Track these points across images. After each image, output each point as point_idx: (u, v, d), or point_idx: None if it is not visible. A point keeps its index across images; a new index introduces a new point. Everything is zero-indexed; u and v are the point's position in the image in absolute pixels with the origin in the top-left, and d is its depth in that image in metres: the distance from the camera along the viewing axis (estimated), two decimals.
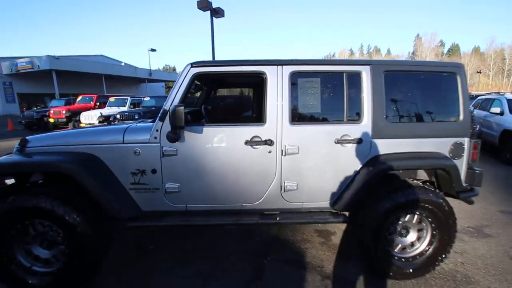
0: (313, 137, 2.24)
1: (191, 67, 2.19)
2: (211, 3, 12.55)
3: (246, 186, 2.28)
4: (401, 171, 2.45)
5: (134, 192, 2.26)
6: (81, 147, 2.24)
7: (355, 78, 2.29)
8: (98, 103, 13.04)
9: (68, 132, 2.46)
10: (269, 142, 2.20)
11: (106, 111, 11.09)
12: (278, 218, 2.31)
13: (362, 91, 2.29)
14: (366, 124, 2.27)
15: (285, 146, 2.22)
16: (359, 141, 2.26)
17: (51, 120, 12.06)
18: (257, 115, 3.68)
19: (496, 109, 7.21)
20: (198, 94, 3.59)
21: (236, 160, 2.23)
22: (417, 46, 70.74)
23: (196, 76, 2.21)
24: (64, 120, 11.85)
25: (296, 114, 2.28)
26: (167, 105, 2.19)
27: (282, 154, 2.24)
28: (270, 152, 2.23)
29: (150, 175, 2.22)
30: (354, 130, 2.27)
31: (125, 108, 11.36)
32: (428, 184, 2.54)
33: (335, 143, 2.25)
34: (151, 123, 2.30)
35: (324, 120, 2.34)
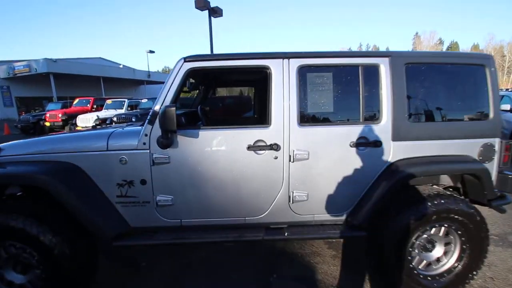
0: (325, 140, 1.96)
1: (184, 61, 1.91)
2: (209, 2, 12.26)
3: (249, 197, 1.99)
4: (422, 177, 2.17)
5: (121, 206, 1.97)
6: (60, 156, 1.95)
7: (372, 72, 2.01)
8: (95, 106, 12.77)
9: (47, 138, 2.17)
10: (274, 147, 1.91)
11: (103, 113, 10.82)
12: (286, 234, 2.02)
13: (380, 87, 2.01)
14: (385, 124, 1.99)
15: (293, 151, 1.94)
16: (377, 144, 1.98)
17: (47, 124, 11.82)
18: (259, 117, 3.38)
19: (506, 106, 6.94)
20: (190, 94, 3.31)
21: (237, 167, 1.94)
22: (416, 45, 70.31)
23: (190, 72, 1.92)
24: (61, 123, 11.60)
25: (306, 114, 2.00)
26: (157, 106, 1.91)
27: (290, 160, 1.96)
28: (276, 158, 1.95)
29: (139, 187, 1.94)
30: (372, 132, 1.98)
31: (122, 111, 11.09)
32: (451, 190, 2.26)
33: (351, 146, 1.97)
34: (140, 127, 2.02)
35: (337, 121, 2.05)
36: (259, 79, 3.04)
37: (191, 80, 2.61)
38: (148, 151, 1.91)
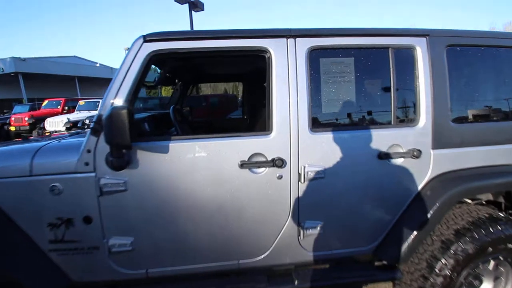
0: (346, 150, 1.42)
1: (144, 41, 1.30)
2: None
3: (244, 232, 1.42)
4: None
5: (57, 255, 1.35)
6: None
7: (405, 57, 1.49)
8: (66, 108, 11.70)
9: None
10: (278, 163, 1.35)
11: (74, 116, 9.86)
12: (296, 282, 1.45)
13: (416, 77, 1.49)
14: (424, 127, 1.48)
15: (304, 167, 1.38)
16: (415, 154, 1.46)
17: (12, 128, 10.71)
18: (250, 119, 2.75)
19: None
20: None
21: (226, 193, 1.37)
22: None
23: (154, 57, 1.32)
24: (27, 127, 10.51)
25: (319, 116, 1.45)
26: (104, 108, 1.30)
27: (299, 180, 1.40)
28: (280, 177, 1.38)
29: (81, 227, 1.32)
30: (407, 137, 1.47)
31: (96, 112, 10.15)
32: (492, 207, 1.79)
33: (379, 158, 1.44)
34: (84, 138, 1.39)
35: (361, 124, 1.51)
36: (250, 71, 2.43)
37: (160, 72, 1.99)
38: (93, 174, 1.30)
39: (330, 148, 1.40)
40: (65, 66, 22.92)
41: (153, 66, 1.52)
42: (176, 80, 2.43)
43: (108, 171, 1.29)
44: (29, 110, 12.13)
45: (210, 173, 1.35)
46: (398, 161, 1.47)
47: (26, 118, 10.61)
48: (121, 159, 1.22)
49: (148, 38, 1.30)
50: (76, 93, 23.02)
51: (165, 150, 1.31)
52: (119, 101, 1.27)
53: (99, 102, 10.69)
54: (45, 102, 12.37)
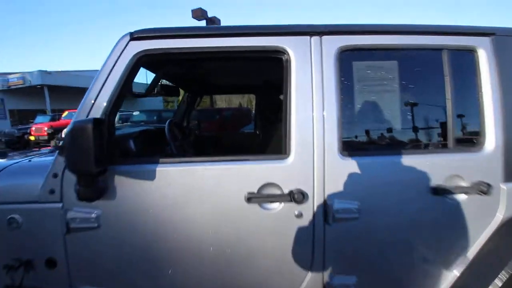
0: (388, 182, 1.07)
1: (131, 39, 1.04)
2: (206, 12, 11.65)
3: None
4: None
5: None
6: None
7: (464, 60, 1.15)
8: None
9: None
10: (297, 197, 1.02)
11: None
12: None
13: (480, 86, 1.14)
14: (492, 151, 1.11)
15: (332, 203, 1.04)
16: (483, 189, 1.08)
17: (32, 137, 11.04)
18: (263, 135, 2.42)
19: None
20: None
21: (228, 235, 1.05)
22: None
23: (143, 59, 1.05)
24: (46, 137, 10.79)
25: (353, 135, 1.12)
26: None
27: (325, 221, 1.06)
28: (299, 216, 1.05)
29: (43, 271, 1.04)
30: (471, 166, 1.10)
31: None
32: None
33: (433, 194, 1.08)
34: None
35: (408, 147, 1.16)
36: (263, 78, 2.12)
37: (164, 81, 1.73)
38: (59, 205, 1.02)
39: (367, 179, 1.06)
40: (87, 79, 23.84)
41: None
42: (180, 90, 2.17)
43: (77, 203, 1.00)
44: (50, 121, 12.45)
45: (208, 208, 1.04)
46: (460, 197, 1.10)
47: (46, 128, 10.90)
48: (90, 188, 0.93)
49: (136, 36, 1.04)
50: None
51: (151, 176, 1.02)
52: (97, 113, 1.00)
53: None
54: (65, 113, 12.72)
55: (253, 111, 4.09)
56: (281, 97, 1.14)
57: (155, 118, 10.21)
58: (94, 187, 0.94)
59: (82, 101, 1.03)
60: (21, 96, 22.91)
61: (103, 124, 0.93)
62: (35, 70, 20.06)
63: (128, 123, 9.85)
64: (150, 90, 1.44)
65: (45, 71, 20.25)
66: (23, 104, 23.79)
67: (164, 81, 1.79)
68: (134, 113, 10.42)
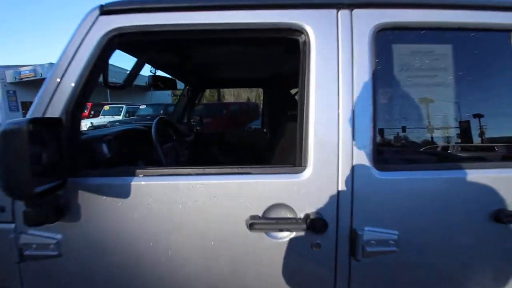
0: (439, 205, 0.81)
1: (100, 13, 0.80)
2: None
3: None
4: None
5: None
6: None
7: None
8: (93, 112, 11.93)
9: None
10: (316, 223, 0.77)
11: (98, 120, 9.94)
12: None
13: None
14: None
15: (361, 233, 0.79)
16: None
17: None
18: (275, 137, 2.04)
19: None
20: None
21: (223, 269, 0.81)
22: None
23: (117, 39, 0.81)
24: None
25: (392, 142, 0.86)
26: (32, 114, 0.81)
27: (351, 255, 0.81)
28: (317, 247, 0.80)
29: None
30: None
31: (119, 117, 10.18)
32: None
33: (494, 220, 0.81)
34: None
35: (467, 159, 0.88)
36: (273, 65, 1.77)
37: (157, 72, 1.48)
38: (11, 226, 0.80)
39: (410, 201, 0.80)
40: None
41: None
42: (188, 89, 1.91)
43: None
44: None
45: (198, 237, 0.80)
46: None
47: None
48: (40, 209, 0.70)
49: (107, 9, 0.80)
50: (107, 98, 23.92)
51: (125, 192, 0.79)
52: (55, 112, 0.77)
53: (122, 107, 10.74)
54: None
55: (261, 107, 3.82)
56: (296, 91, 0.89)
57: (161, 112, 10.07)
58: (46, 207, 0.72)
59: (38, 94, 0.80)
60: (32, 88, 23.18)
61: (59, 125, 0.70)
62: (46, 62, 20.20)
63: (135, 117, 9.76)
64: (130, 80, 1.21)
65: None
66: (35, 97, 24.18)
67: (158, 71, 1.55)
68: (141, 107, 10.30)
